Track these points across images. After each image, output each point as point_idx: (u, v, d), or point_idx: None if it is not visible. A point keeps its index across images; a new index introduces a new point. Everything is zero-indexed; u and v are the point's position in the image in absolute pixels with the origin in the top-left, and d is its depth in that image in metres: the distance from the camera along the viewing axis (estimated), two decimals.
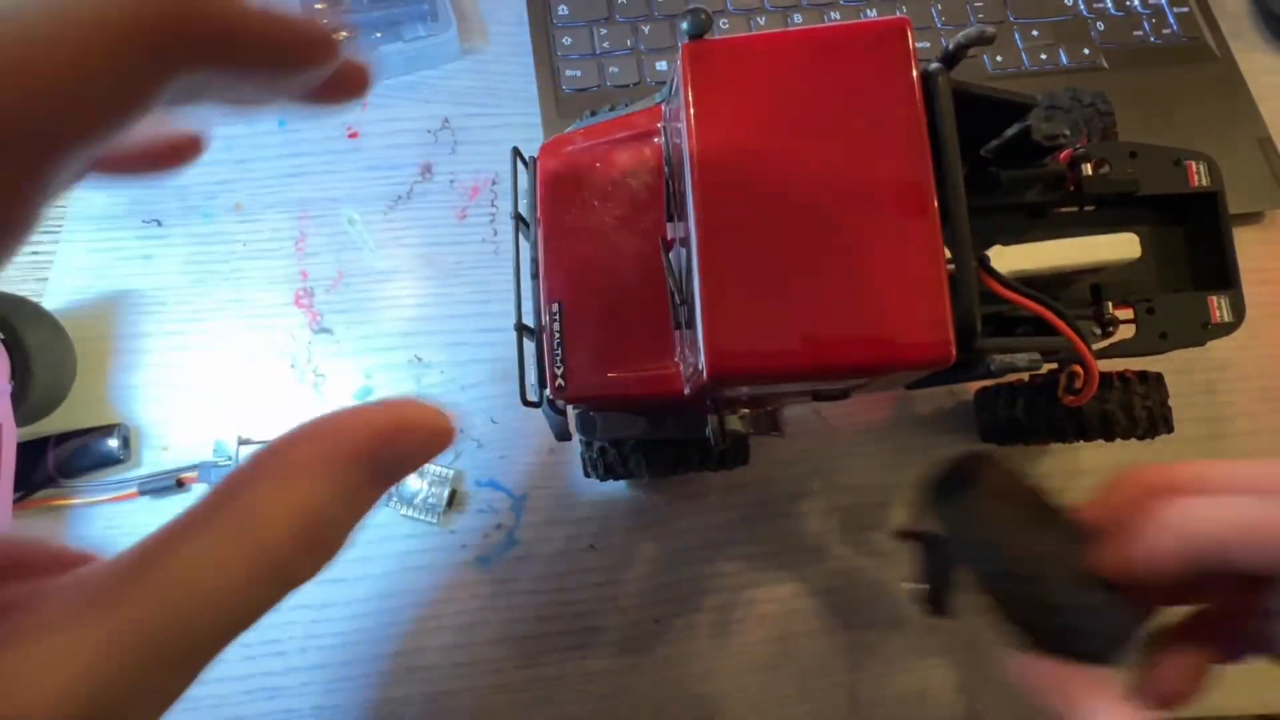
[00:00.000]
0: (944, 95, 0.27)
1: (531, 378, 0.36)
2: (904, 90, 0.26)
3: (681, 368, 0.30)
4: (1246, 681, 0.42)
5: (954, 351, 0.24)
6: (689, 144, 0.27)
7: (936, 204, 0.25)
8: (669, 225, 0.32)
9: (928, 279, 0.25)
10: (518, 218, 0.37)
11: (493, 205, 0.51)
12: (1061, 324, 0.30)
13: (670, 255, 0.31)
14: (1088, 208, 0.37)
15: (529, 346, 0.36)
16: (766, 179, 0.26)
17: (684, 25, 0.27)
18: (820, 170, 0.26)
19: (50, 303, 0.48)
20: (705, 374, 0.25)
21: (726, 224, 0.26)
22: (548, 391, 0.33)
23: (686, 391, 0.29)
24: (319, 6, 0.51)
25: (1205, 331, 0.36)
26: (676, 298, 0.29)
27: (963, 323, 0.25)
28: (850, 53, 0.27)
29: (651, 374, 0.30)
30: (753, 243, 0.26)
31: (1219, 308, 0.36)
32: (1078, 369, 0.33)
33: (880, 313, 0.25)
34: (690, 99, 0.27)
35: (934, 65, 0.28)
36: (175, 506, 0.44)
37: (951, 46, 0.27)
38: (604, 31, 0.53)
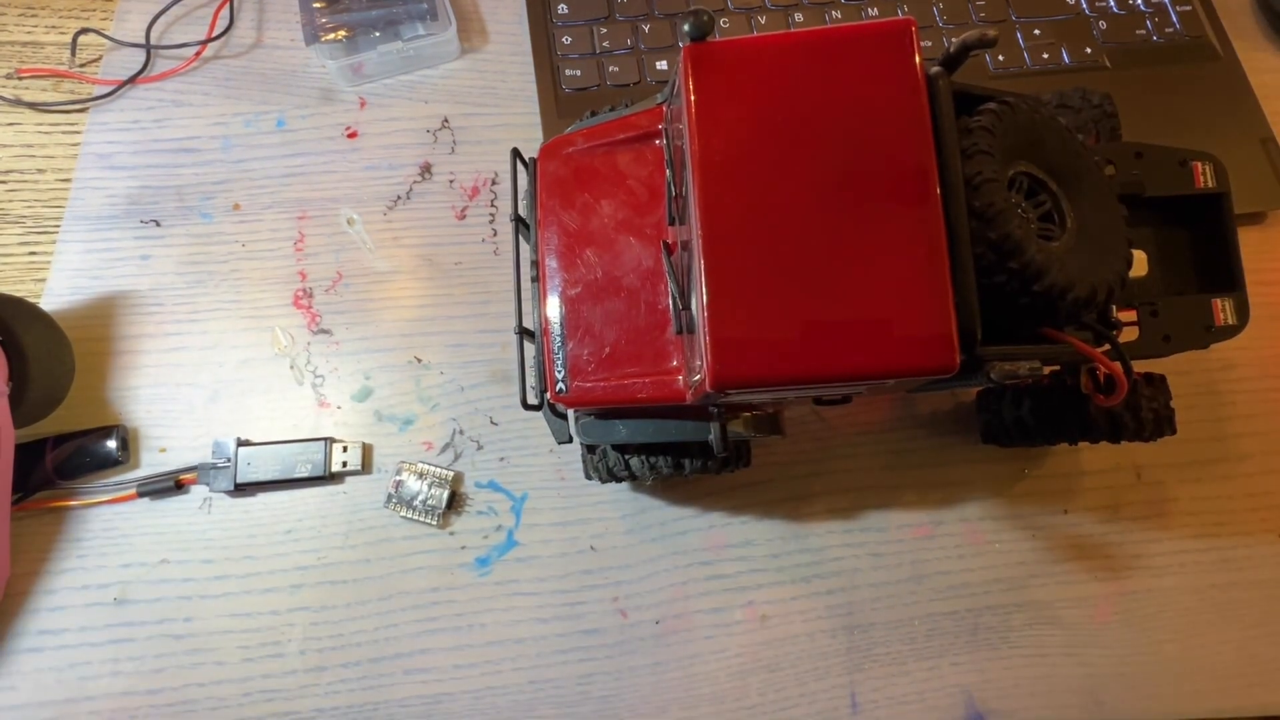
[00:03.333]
0: (945, 99, 0.27)
1: (532, 381, 0.36)
2: (910, 93, 0.26)
3: (684, 373, 0.30)
4: (1246, 683, 0.43)
5: (958, 359, 0.24)
6: (691, 147, 0.26)
7: (942, 210, 0.25)
8: (671, 228, 0.32)
9: (932, 287, 0.24)
10: (517, 220, 0.37)
11: (492, 205, 0.51)
12: (1097, 354, 0.29)
13: (672, 259, 0.30)
14: None
15: (530, 349, 0.35)
16: (770, 183, 0.26)
17: (686, 27, 0.27)
18: (824, 174, 0.26)
19: (48, 303, 0.48)
20: (709, 382, 0.25)
21: (730, 228, 0.26)
22: (548, 395, 0.33)
23: (689, 397, 0.29)
24: (317, 5, 0.51)
25: (1209, 334, 0.36)
26: (679, 302, 0.29)
27: (963, 329, 0.25)
28: (854, 54, 0.27)
29: (653, 378, 0.30)
30: (756, 247, 0.25)
31: (1223, 310, 0.35)
32: (1102, 370, 0.33)
33: (884, 320, 0.25)
34: (692, 101, 0.27)
35: (935, 69, 0.27)
36: (174, 508, 0.44)
37: (953, 49, 0.27)
38: (604, 30, 0.53)
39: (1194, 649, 0.43)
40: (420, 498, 0.44)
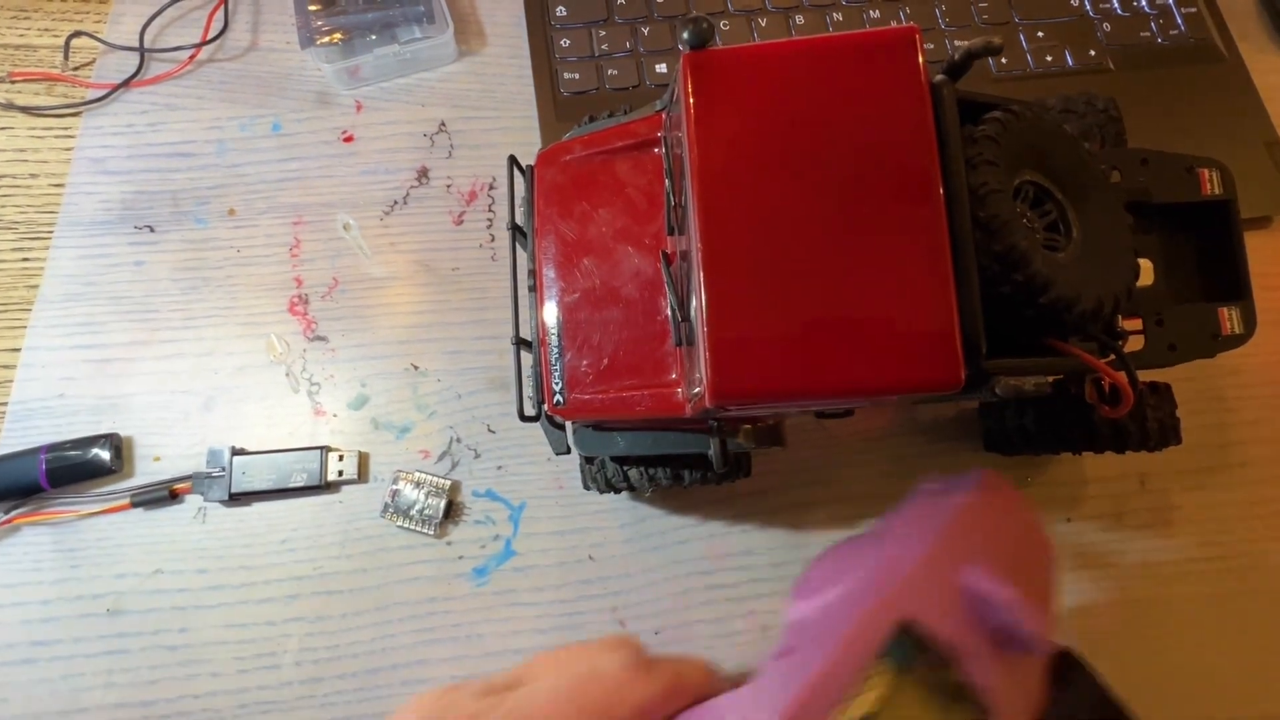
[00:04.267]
0: (949, 107, 0.26)
1: (530, 391, 0.35)
2: (913, 102, 0.25)
3: (682, 385, 0.29)
4: (1252, 693, 0.42)
5: (963, 376, 0.24)
6: (690, 156, 0.26)
7: (946, 222, 0.25)
8: (670, 239, 0.31)
9: (936, 301, 0.24)
10: (515, 228, 0.36)
11: (490, 210, 0.50)
12: (1104, 366, 0.29)
13: (671, 269, 0.30)
14: None
15: (527, 360, 0.35)
16: (770, 193, 0.25)
17: (685, 35, 0.27)
18: (826, 184, 0.25)
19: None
20: (708, 396, 0.24)
21: (730, 239, 0.25)
22: (545, 407, 0.33)
23: (688, 410, 0.28)
24: (313, 8, 0.50)
25: (1215, 344, 0.35)
26: (678, 314, 0.28)
27: (967, 343, 0.24)
28: (857, 62, 0.26)
29: (651, 391, 0.30)
30: (757, 259, 0.25)
31: (1230, 319, 0.35)
32: (1107, 381, 0.32)
33: (887, 335, 0.24)
34: (691, 110, 0.26)
35: (938, 76, 0.27)
36: (168, 517, 0.43)
37: (958, 56, 0.27)
38: (603, 33, 0.53)
39: (1199, 659, 0.43)
40: (417, 507, 0.43)
